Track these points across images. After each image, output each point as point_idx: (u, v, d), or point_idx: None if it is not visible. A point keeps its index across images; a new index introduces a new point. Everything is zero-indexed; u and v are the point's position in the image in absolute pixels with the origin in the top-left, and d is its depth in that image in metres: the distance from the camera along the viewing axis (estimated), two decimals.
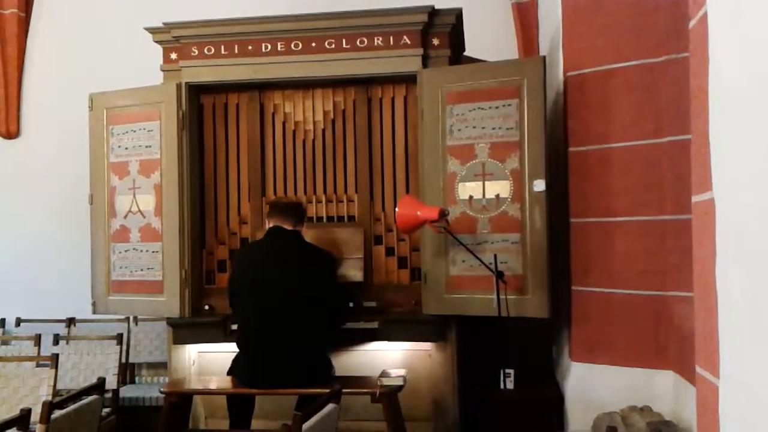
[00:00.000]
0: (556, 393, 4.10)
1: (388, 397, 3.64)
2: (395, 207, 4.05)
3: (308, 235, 4.11)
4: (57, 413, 2.83)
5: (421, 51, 4.15)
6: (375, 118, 4.43)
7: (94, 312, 4.62)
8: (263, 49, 4.30)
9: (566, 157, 4.02)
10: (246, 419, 3.97)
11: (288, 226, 3.95)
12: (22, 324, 5.83)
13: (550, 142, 4.04)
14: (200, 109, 4.55)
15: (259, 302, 3.81)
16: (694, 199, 1.56)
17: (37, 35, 6.30)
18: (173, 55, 4.43)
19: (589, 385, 3.84)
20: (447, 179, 4.08)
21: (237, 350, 3.92)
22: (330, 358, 3.92)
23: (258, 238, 4.32)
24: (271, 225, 4.01)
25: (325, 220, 4.44)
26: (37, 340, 4.76)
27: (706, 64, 1.44)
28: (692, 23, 1.55)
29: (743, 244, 1.27)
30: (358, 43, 4.21)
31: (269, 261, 3.89)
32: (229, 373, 3.98)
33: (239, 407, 3.97)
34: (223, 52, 4.33)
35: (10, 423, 2.60)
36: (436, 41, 4.19)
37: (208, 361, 4.35)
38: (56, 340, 4.91)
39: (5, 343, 5.05)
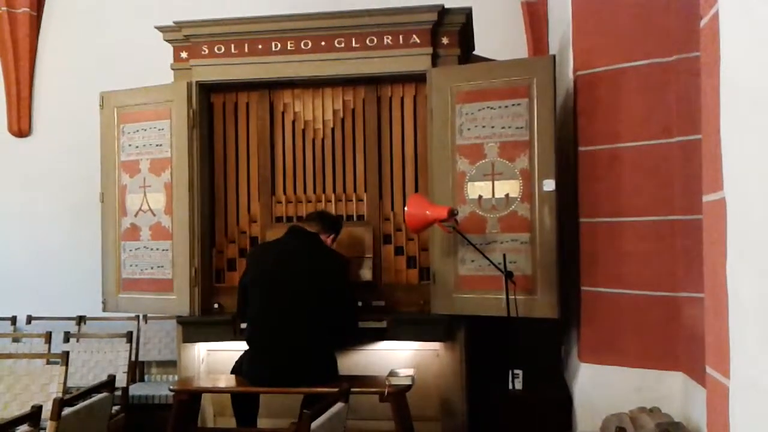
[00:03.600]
0: (564, 393, 4.09)
1: (397, 396, 3.64)
2: (404, 206, 4.05)
3: None
4: (67, 410, 2.85)
5: (430, 50, 4.15)
6: (384, 117, 4.43)
7: (104, 310, 4.65)
8: (273, 48, 4.31)
9: (576, 156, 4.01)
10: (252, 418, 3.98)
11: (310, 229, 3.97)
12: (32, 321, 5.87)
13: (559, 141, 4.03)
14: (210, 108, 4.56)
15: (269, 298, 3.82)
16: (705, 198, 1.55)
17: (48, 34, 6.33)
18: (184, 54, 4.44)
19: (598, 386, 3.82)
20: (456, 178, 4.08)
21: (245, 349, 3.93)
22: (336, 359, 3.91)
23: (268, 237, 4.34)
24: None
25: None
26: (48, 337, 4.79)
27: (717, 63, 1.43)
28: (703, 22, 1.55)
29: (754, 244, 1.26)
30: (367, 42, 4.21)
31: (281, 259, 3.90)
32: (233, 372, 3.99)
33: (245, 406, 3.98)
34: (233, 51, 4.34)
35: (21, 419, 2.61)
36: (445, 40, 4.18)
37: (218, 360, 4.36)
38: (66, 337, 4.94)
39: (16, 340, 5.09)
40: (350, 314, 3.97)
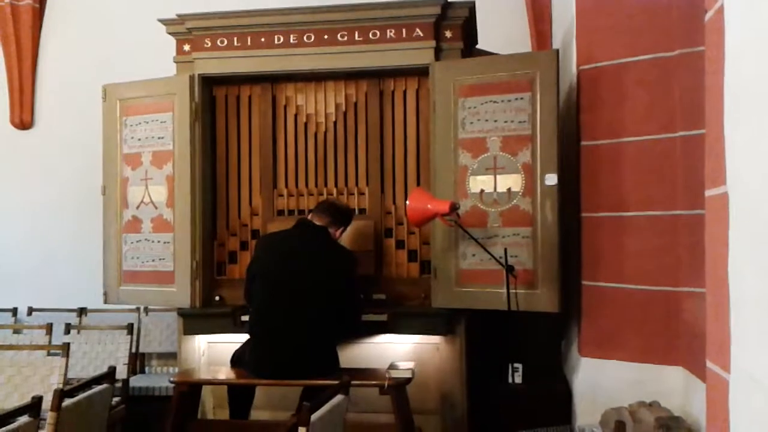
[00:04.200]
0: (564, 388, 4.10)
1: (397, 389, 3.65)
2: (406, 200, 4.05)
3: None
4: (68, 401, 2.85)
5: (433, 43, 4.14)
6: (387, 110, 4.42)
7: (106, 302, 4.65)
8: (276, 42, 4.30)
9: (578, 151, 4.00)
10: (245, 410, 3.98)
11: (319, 222, 3.96)
12: (33, 313, 5.89)
13: (562, 136, 4.02)
14: (213, 101, 4.56)
15: (274, 290, 3.81)
16: (708, 193, 1.55)
17: (51, 27, 6.34)
18: (186, 47, 4.44)
19: (598, 380, 3.83)
20: (458, 172, 4.07)
21: (246, 339, 3.94)
22: (338, 353, 3.91)
23: (269, 230, 4.35)
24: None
25: None
26: (49, 329, 4.80)
27: (721, 58, 1.42)
28: (708, 16, 1.54)
29: (756, 239, 1.26)
30: (370, 35, 4.20)
31: (289, 250, 3.89)
32: (232, 360, 4.00)
33: (240, 398, 3.98)
34: (235, 44, 4.34)
35: (21, 410, 2.62)
36: (448, 34, 4.17)
37: (218, 352, 4.36)
38: (67, 329, 4.95)
39: (17, 331, 5.10)
40: (355, 310, 3.96)
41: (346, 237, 4.20)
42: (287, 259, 3.86)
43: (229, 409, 4.04)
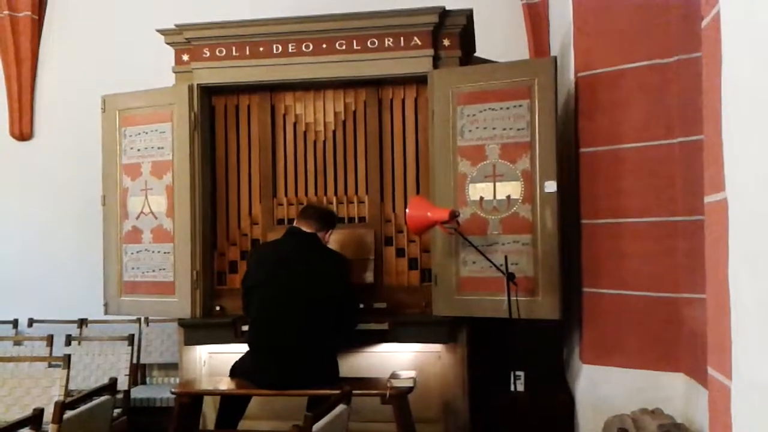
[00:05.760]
0: (566, 395, 4.09)
1: (398, 398, 3.64)
2: (406, 208, 4.05)
3: None
4: (69, 413, 2.85)
5: (431, 52, 4.16)
6: (386, 119, 4.43)
7: (106, 313, 4.64)
8: (274, 51, 4.31)
9: (577, 158, 4.01)
10: (235, 421, 3.95)
11: (308, 229, 3.96)
12: (34, 324, 5.89)
13: (561, 143, 4.03)
14: (212, 111, 4.57)
15: (271, 300, 3.81)
16: (707, 199, 1.55)
17: (49, 38, 6.35)
18: (185, 57, 4.45)
19: (600, 387, 3.82)
20: (457, 180, 4.08)
21: (246, 350, 3.93)
22: (337, 361, 3.90)
23: (269, 239, 4.34)
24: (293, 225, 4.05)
25: None
26: (50, 340, 4.79)
27: (718, 64, 1.43)
28: (704, 22, 1.54)
29: (756, 245, 1.26)
30: (368, 44, 4.22)
31: (283, 260, 3.89)
32: (231, 374, 3.98)
33: (232, 409, 3.96)
34: (234, 53, 4.35)
35: (23, 422, 2.61)
36: (446, 42, 4.19)
37: (219, 362, 4.35)
38: (68, 340, 4.94)
39: (18, 343, 5.09)
40: (350, 314, 3.96)
41: (346, 246, 4.20)
42: (282, 269, 3.86)
43: (217, 418, 4.00)
